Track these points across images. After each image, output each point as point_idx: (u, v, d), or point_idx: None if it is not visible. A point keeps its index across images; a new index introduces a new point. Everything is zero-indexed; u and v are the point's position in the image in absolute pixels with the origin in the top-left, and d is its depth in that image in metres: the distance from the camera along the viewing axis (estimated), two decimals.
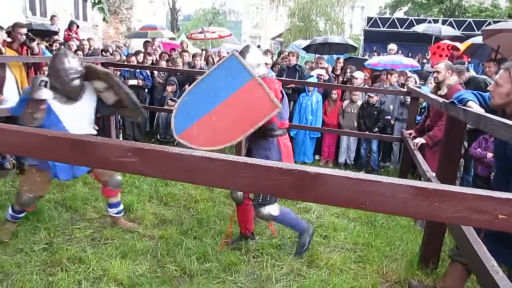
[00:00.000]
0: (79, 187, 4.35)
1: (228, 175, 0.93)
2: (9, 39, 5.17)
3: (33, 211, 3.61)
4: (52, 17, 11.33)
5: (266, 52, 8.63)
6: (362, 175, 0.91)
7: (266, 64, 7.08)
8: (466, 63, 5.25)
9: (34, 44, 5.60)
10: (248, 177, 0.92)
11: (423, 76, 7.67)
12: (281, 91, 3.27)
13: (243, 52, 3.21)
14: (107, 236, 3.42)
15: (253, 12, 34.31)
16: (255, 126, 2.81)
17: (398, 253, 3.46)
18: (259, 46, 18.23)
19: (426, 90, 5.27)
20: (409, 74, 6.77)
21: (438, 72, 4.14)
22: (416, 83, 6.04)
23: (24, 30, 5.09)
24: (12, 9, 15.39)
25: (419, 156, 3.87)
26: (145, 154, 0.95)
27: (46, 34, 8.92)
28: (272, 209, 3.19)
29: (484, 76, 4.86)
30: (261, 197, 3.14)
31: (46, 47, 7.44)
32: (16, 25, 5.17)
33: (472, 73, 5.10)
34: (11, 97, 4.57)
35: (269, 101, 2.84)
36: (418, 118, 5.43)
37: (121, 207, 3.68)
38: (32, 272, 2.82)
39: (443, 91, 4.16)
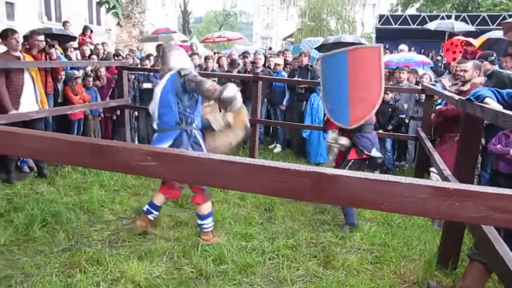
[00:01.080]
0: (95, 190, 4.41)
1: (246, 178, 0.94)
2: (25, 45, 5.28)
3: (52, 213, 3.69)
4: (65, 23, 11.53)
5: (279, 54, 8.61)
6: (380, 176, 0.90)
7: (279, 65, 7.14)
8: (495, 54, 5.14)
9: (52, 50, 5.70)
10: (266, 179, 0.92)
11: (438, 73, 7.57)
12: None
13: None
14: (124, 238, 3.47)
15: (263, 13, 34.30)
16: (381, 71, 3.58)
17: (416, 253, 3.42)
18: (270, 48, 18.26)
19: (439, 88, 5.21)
20: (423, 71, 6.68)
21: (465, 71, 4.09)
22: (431, 80, 5.95)
23: (42, 37, 5.18)
24: (29, 14, 15.73)
25: (435, 154, 3.82)
26: (164, 157, 0.97)
27: (65, 39, 9.08)
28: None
29: (509, 72, 4.75)
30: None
31: (61, 52, 7.57)
32: (34, 32, 5.26)
33: (496, 67, 4.98)
34: (28, 101, 4.67)
35: (370, 50, 3.77)
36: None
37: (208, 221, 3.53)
38: (52, 274, 2.87)
39: (466, 87, 4.12)
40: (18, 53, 4.61)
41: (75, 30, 11.89)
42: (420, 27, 14.70)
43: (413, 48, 13.00)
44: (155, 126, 3.47)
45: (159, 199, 3.62)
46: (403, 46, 9.67)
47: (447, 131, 4.41)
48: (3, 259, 3.07)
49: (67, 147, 1.08)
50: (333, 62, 3.77)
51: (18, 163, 5.08)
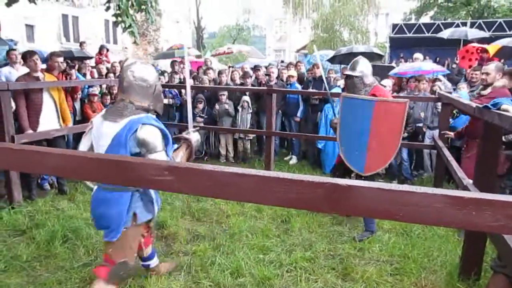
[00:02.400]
0: None
1: (261, 190, 0.95)
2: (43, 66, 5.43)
3: (72, 229, 3.75)
4: (81, 43, 11.90)
5: (289, 65, 8.65)
6: (394, 185, 0.90)
7: (292, 77, 7.18)
8: None
9: (72, 71, 5.86)
10: (281, 191, 0.93)
11: (454, 81, 7.47)
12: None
13: (354, 64, 3.92)
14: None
15: (276, 26, 34.64)
16: (402, 127, 3.62)
17: (437, 265, 3.35)
18: (282, 61, 18.35)
19: (464, 95, 5.14)
20: (436, 77, 6.61)
21: (487, 74, 4.01)
22: (444, 87, 5.89)
23: (61, 59, 5.30)
24: (48, 36, 16.28)
25: (454, 163, 3.76)
26: (180, 172, 0.99)
27: (83, 60, 9.38)
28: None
29: None
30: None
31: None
32: (53, 54, 5.42)
33: None
34: (49, 121, 4.81)
35: (397, 104, 3.64)
36: (452, 121, 5.29)
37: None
38: None
39: (486, 91, 4.01)
40: (38, 74, 4.76)
41: (93, 49, 12.26)
42: (434, 35, 14.56)
43: (428, 57, 12.88)
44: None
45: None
46: (418, 55, 9.57)
47: (471, 138, 4.31)
48: (25, 275, 3.13)
49: (86, 163, 1.11)
50: (358, 107, 3.72)
51: (39, 181, 5.20)
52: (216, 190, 1.00)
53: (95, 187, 2.48)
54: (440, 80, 6.38)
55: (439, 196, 0.88)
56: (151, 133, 2.34)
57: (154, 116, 2.52)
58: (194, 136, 2.81)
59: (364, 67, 3.91)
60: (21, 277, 3.10)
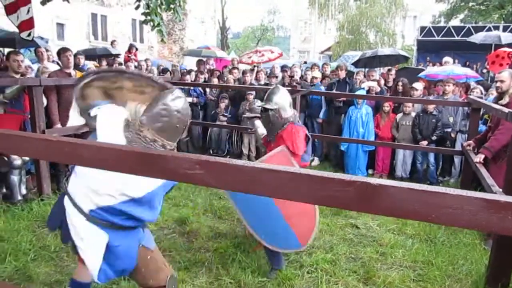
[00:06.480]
0: None
1: (291, 187, 0.95)
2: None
3: None
4: (112, 42, 12.21)
5: (313, 67, 8.59)
6: (427, 186, 0.89)
7: (316, 78, 7.14)
8: None
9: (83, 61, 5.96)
10: (311, 189, 0.93)
11: (485, 86, 7.26)
12: (306, 134, 3.41)
13: (270, 95, 3.39)
14: (165, 248, 3.55)
15: (301, 27, 34.46)
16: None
17: (462, 273, 3.27)
18: (305, 62, 18.24)
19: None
20: (474, 84, 6.43)
21: (501, 81, 3.91)
22: (481, 93, 5.73)
23: (70, 53, 5.14)
24: (77, 34, 16.75)
25: (482, 170, 3.66)
26: (211, 166, 1.00)
27: (107, 57, 9.61)
28: None
29: None
30: None
31: (96, 66, 8.00)
32: (62, 50, 5.19)
33: None
34: (79, 116, 4.93)
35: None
36: (483, 128, 5.15)
37: None
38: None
39: (505, 100, 3.93)
40: (70, 70, 4.90)
41: (120, 48, 12.54)
42: (464, 38, 14.17)
43: (457, 61, 12.57)
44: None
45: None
46: (447, 58, 9.33)
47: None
48: (53, 265, 3.23)
49: (120, 156, 1.14)
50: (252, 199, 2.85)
51: (66, 174, 5.35)
52: (246, 185, 1.01)
53: None
54: (475, 88, 6.18)
55: (473, 199, 0.86)
56: None
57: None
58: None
59: (281, 98, 3.37)
60: (49, 267, 3.20)
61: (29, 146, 1.26)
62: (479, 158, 3.95)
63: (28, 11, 5.58)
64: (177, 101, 2.01)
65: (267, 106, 3.35)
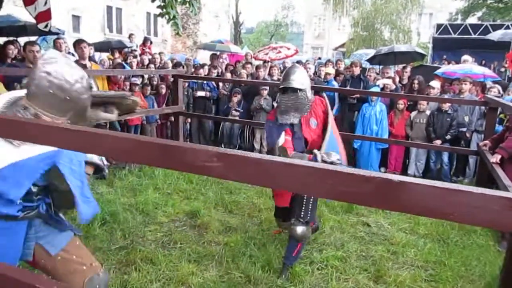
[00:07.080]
0: (150, 192, 4.60)
1: (309, 182, 0.95)
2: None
3: (110, 213, 3.89)
4: (130, 35, 12.29)
5: (327, 63, 8.52)
6: (450, 184, 0.87)
7: (329, 74, 7.09)
8: None
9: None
10: (329, 183, 0.92)
11: (502, 85, 7.13)
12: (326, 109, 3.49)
13: (289, 74, 3.21)
14: (176, 240, 3.58)
15: (315, 23, 34.19)
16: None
17: (475, 274, 3.22)
18: (319, 58, 18.11)
19: None
20: (491, 84, 6.31)
21: None
22: (499, 92, 5.63)
23: (85, 44, 5.33)
24: (93, 26, 16.90)
25: (499, 170, 3.60)
26: (229, 159, 1.00)
27: (121, 49, 9.68)
28: (308, 230, 3.11)
29: None
30: (308, 214, 3.05)
31: (110, 58, 8.08)
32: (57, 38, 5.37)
33: None
34: None
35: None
36: (499, 128, 5.06)
37: None
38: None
39: None
40: (85, 62, 4.95)
41: (135, 41, 12.60)
42: (481, 36, 13.90)
43: (473, 59, 12.35)
44: None
45: None
46: (466, 57, 9.16)
47: None
48: None
49: (138, 146, 1.14)
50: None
51: None
52: (264, 178, 1.00)
53: None
54: (493, 88, 6.07)
55: (496, 198, 0.84)
56: None
57: None
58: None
59: (304, 76, 3.28)
60: None
61: (49, 135, 1.27)
62: (495, 158, 3.89)
63: (46, 2, 5.65)
64: (48, 64, 1.77)
65: (296, 86, 3.15)
